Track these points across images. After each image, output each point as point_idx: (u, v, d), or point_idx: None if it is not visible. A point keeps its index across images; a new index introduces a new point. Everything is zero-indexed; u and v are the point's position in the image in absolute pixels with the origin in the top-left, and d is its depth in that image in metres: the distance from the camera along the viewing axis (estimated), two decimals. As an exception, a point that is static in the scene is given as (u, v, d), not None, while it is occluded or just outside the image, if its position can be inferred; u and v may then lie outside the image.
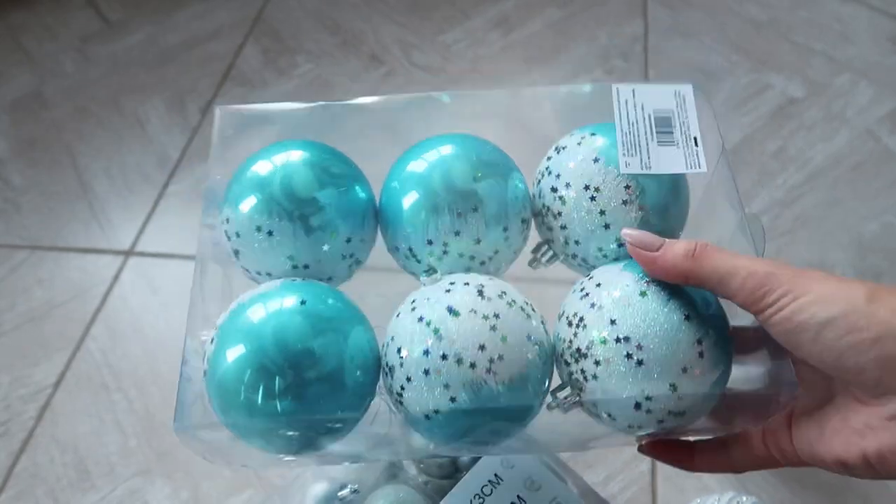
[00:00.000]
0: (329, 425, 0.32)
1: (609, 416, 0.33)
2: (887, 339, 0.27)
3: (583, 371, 0.32)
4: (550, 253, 0.40)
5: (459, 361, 0.31)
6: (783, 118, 0.87)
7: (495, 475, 0.42)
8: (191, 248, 0.84)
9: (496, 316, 0.32)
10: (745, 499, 0.56)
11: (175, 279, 0.82)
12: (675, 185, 0.37)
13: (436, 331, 0.31)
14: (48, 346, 0.78)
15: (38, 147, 0.97)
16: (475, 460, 0.44)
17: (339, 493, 0.46)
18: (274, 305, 0.33)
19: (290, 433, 0.32)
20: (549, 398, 0.34)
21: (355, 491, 0.46)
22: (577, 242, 0.37)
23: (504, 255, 0.38)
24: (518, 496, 0.41)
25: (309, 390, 0.31)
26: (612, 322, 0.32)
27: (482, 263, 0.37)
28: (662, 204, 0.36)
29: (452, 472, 0.49)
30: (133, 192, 0.91)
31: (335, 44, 1.09)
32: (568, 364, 0.33)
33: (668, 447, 0.36)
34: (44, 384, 0.75)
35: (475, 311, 0.32)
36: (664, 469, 0.64)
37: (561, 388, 0.34)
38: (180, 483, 0.65)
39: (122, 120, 0.99)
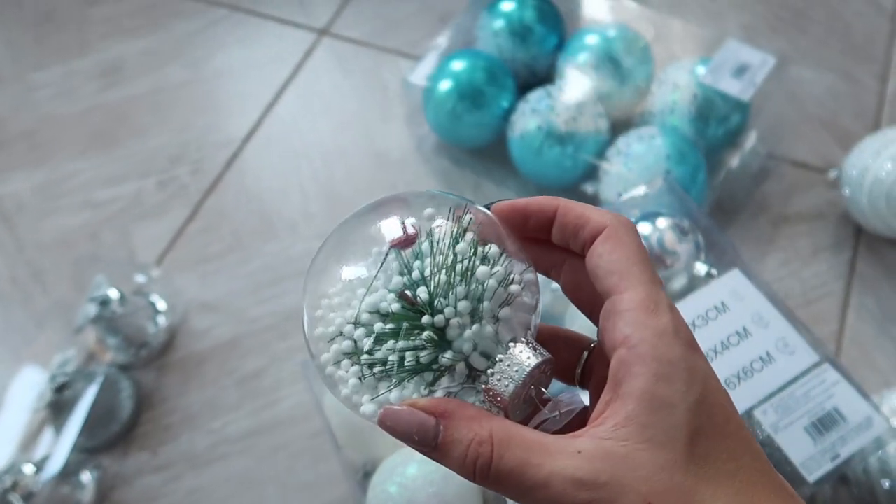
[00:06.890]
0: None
1: None
2: None
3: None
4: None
5: None
6: None
7: (722, 303, 0.43)
8: (385, 40, 0.83)
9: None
10: None
11: (364, 68, 0.83)
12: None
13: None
14: (243, 101, 0.81)
15: None
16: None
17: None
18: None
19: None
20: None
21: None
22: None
23: None
24: (744, 327, 0.42)
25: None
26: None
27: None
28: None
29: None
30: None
31: None
32: None
33: None
34: (235, 136, 0.79)
35: None
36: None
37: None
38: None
39: None
